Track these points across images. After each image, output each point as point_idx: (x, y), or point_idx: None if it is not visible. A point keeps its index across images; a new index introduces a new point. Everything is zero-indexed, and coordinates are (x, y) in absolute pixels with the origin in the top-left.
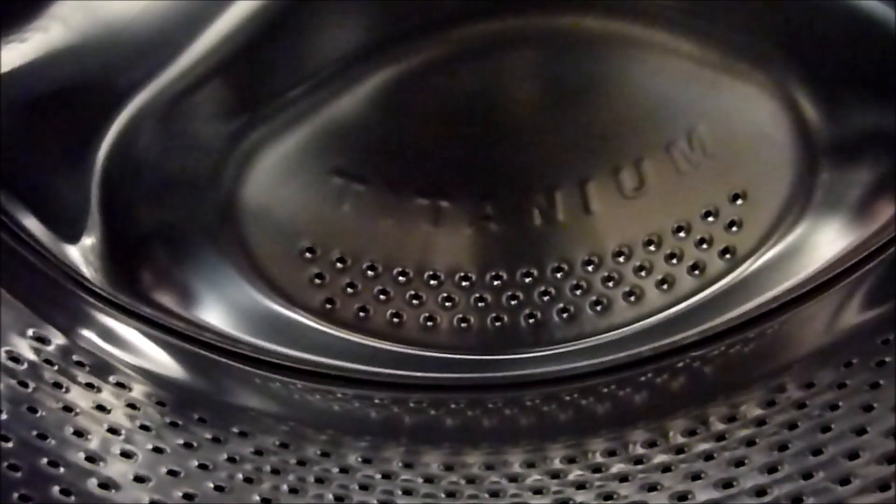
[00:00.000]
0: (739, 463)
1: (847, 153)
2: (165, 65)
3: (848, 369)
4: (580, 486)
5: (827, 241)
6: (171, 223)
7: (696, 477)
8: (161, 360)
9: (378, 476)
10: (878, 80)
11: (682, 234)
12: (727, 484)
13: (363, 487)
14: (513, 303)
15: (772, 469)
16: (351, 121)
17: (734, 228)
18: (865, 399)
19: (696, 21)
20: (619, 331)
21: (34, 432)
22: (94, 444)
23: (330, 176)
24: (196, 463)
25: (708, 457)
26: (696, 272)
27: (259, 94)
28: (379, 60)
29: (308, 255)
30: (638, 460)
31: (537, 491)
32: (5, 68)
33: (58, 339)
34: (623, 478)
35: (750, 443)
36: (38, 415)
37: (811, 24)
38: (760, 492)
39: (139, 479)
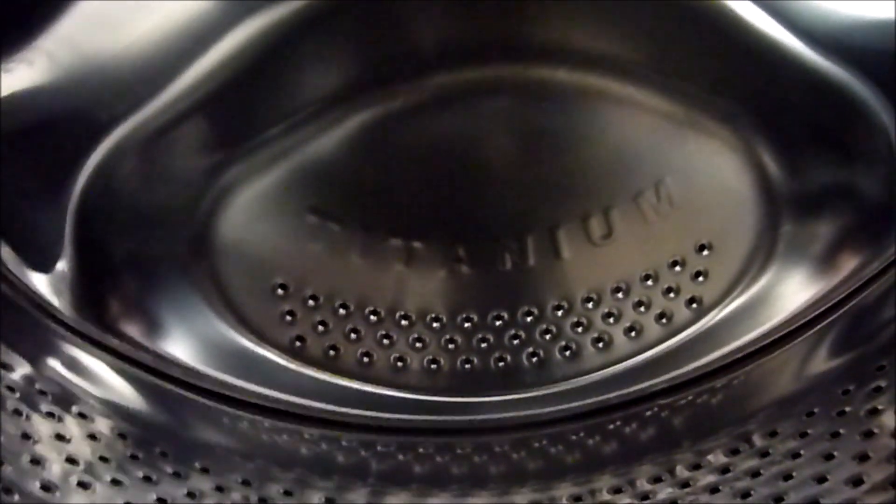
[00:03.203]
0: None
1: (808, 207)
2: (147, 100)
3: (810, 418)
4: None
5: (791, 293)
6: (144, 255)
7: None
8: (125, 392)
9: None
10: (837, 138)
11: (649, 283)
12: None
13: None
14: (483, 346)
15: None
16: (328, 161)
17: (700, 278)
18: (826, 448)
19: (664, 78)
20: (588, 377)
21: None
22: (51, 473)
23: (305, 214)
24: (154, 497)
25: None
26: (664, 321)
27: (238, 131)
28: (357, 103)
29: (280, 291)
30: None
31: None
32: None
33: (22, 367)
34: None
35: (713, 490)
36: None
37: (772, 85)
38: None
39: None
